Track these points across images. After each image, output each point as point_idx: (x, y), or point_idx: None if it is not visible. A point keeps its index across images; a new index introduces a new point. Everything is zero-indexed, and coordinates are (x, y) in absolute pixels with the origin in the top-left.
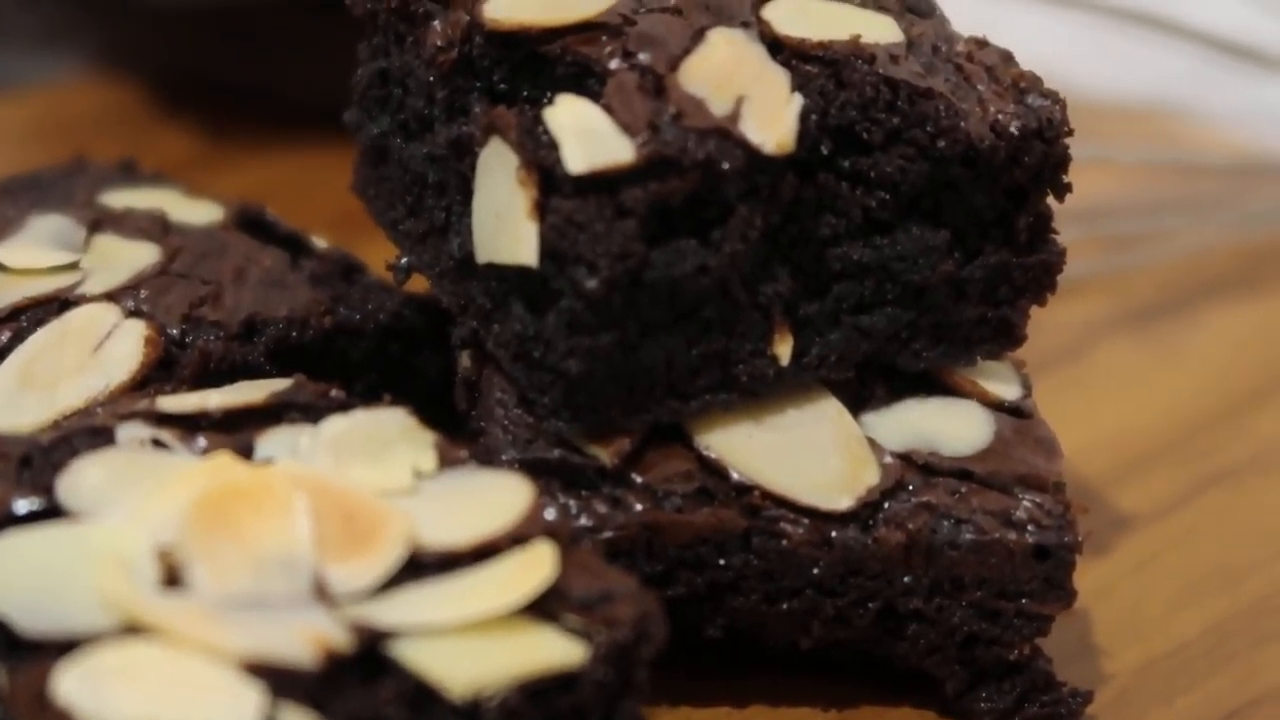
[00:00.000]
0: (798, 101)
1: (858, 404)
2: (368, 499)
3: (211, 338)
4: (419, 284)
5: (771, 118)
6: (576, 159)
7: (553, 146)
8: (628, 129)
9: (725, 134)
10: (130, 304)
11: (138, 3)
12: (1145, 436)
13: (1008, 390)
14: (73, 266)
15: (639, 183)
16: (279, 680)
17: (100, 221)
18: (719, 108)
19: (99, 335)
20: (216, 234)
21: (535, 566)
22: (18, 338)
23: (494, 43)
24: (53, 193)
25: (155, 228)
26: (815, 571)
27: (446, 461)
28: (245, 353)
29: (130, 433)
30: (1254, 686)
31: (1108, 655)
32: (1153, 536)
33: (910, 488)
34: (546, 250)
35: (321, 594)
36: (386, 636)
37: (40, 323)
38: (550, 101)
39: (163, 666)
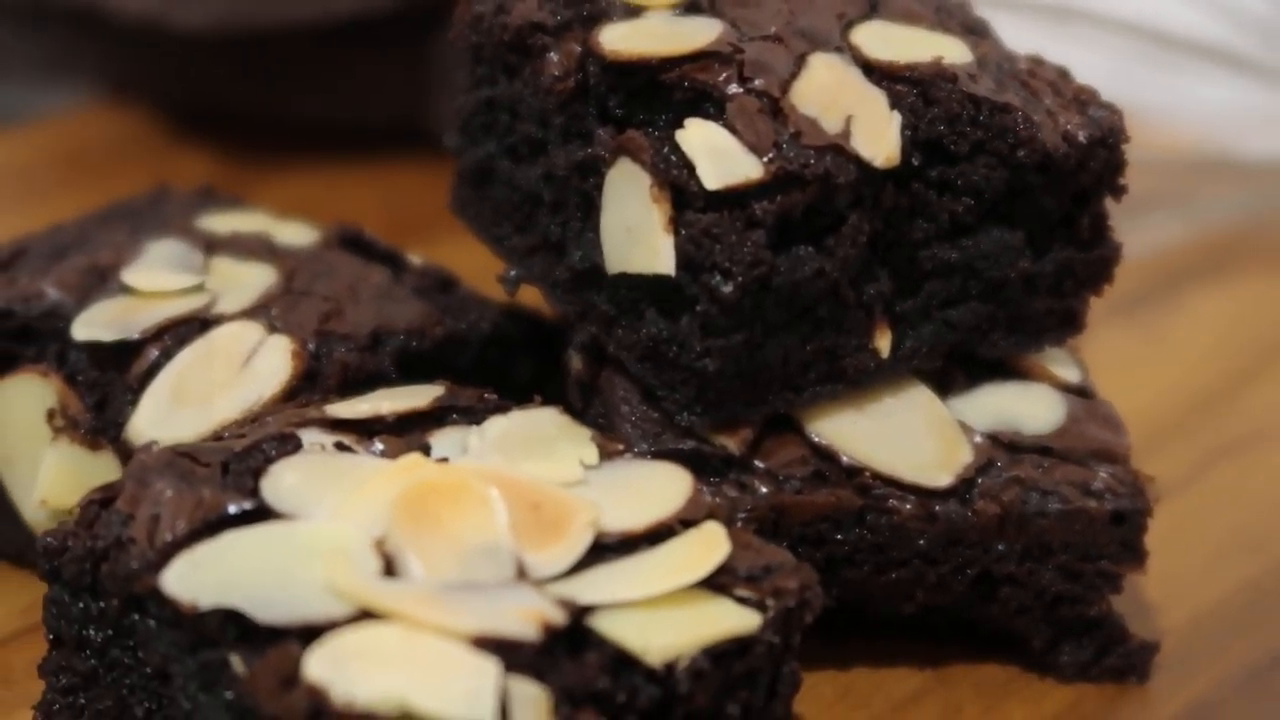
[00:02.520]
0: (898, 118)
1: (943, 391)
2: (550, 489)
3: (344, 350)
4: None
5: (877, 134)
6: (711, 177)
7: (684, 166)
8: (754, 148)
9: (840, 150)
10: (265, 321)
11: (146, 31)
12: (1149, 417)
13: (1071, 373)
14: (199, 288)
15: (766, 197)
16: (505, 654)
17: (213, 245)
18: (830, 126)
19: (245, 351)
20: (321, 253)
21: (711, 544)
22: (165, 356)
23: (611, 71)
24: (151, 219)
25: (264, 249)
26: (921, 543)
27: (605, 453)
28: (376, 363)
29: (313, 438)
30: None
31: (1160, 613)
32: (1175, 509)
33: (999, 464)
34: (683, 260)
35: (523, 577)
36: (587, 612)
37: (184, 341)
38: (669, 124)
39: (402, 645)
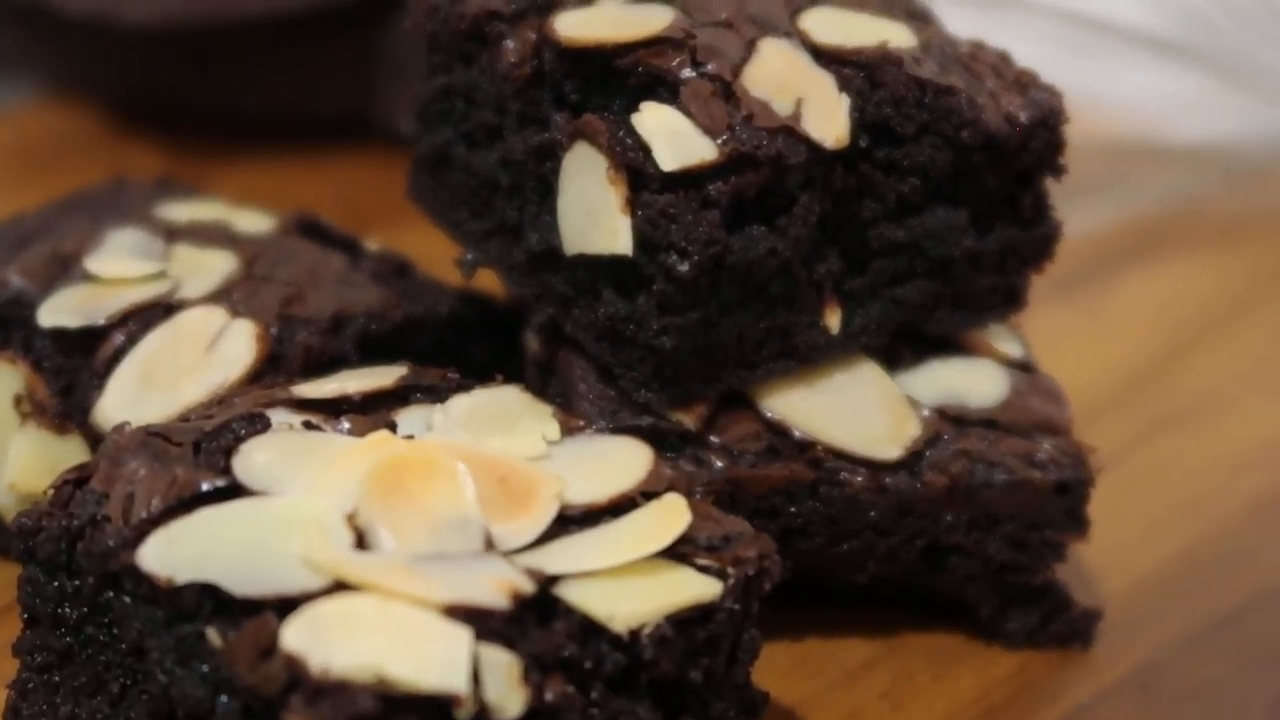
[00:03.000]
0: (847, 101)
1: (891, 367)
2: (515, 464)
3: (307, 333)
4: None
5: (828, 117)
6: (667, 158)
7: (640, 148)
8: (708, 131)
9: (791, 132)
10: (228, 306)
11: (95, 27)
12: (1087, 391)
13: (1014, 348)
14: (161, 275)
15: (721, 178)
16: (476, 622)
17: (173, 233)
18: (781, 109)
19: (210, 335)
20: (280, 240)
21: (672, 515)
22: (130, 341)
23: (566, 58)
24: (111, 208)
25: (224, 237)
26: (872, 514)
27: (567, 429)
28: (337, 346)
29: (281, 417)
30: (1228, 600)
31: (1101, 581)
32: (1114, 479)
33: (946, 437)
34: (640, 240)
35: (492, 548)
36: (554, 581)
37: (148, 327)
38: (624, 109)
39: (376, 615)
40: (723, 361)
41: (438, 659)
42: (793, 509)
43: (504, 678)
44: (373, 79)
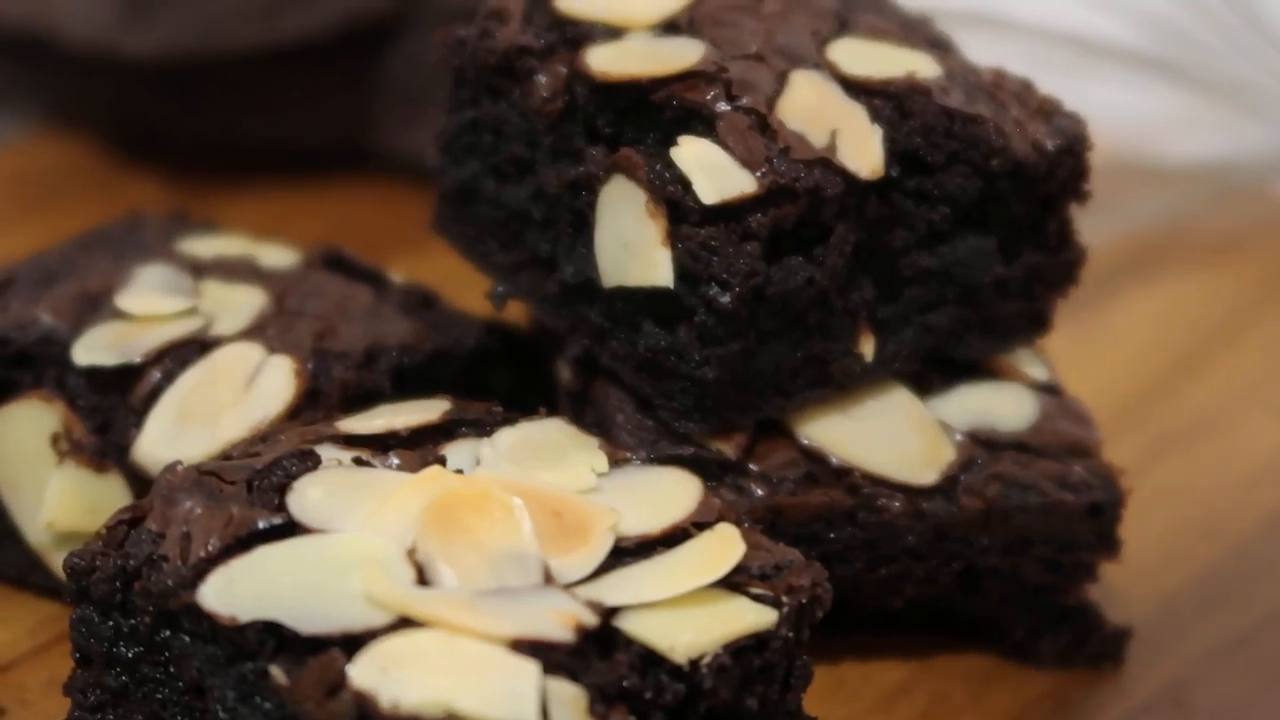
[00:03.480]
0: (879, 132)
1: (922, 392)
2: (568, 497)
3: (342, 368)
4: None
5: (861, 147)
6: (707, 192)
7: (679, 182)
8: (746, 164)
9: (828, 164)
10: (263, 342)
11: (95, 59)
12: (1095, 411)
13: (1040, 372)
14: (192, 311)
15: (760, 209)
16: (542, 655)
17: (199, 268)
18: (817, 140)
19: (248, 372)
20: (306, 274)
21: (726, 545)
22: (167, 378)
23: (599, 92)
24: (132, 245)
25: (250, 271)
26: (909, 539)
27: (614, 461)
28: (372, 379)
29: (330, 454)
30: (1252, 615)
31: (1126, 600)
32: (1131, 499)
33: (980, 461)
34: (680, 272)
35: (550, 582)
36: (613, 613)
37: (184, 364)
38: (658, 142)
39: (443, 650)
40: (761, 391)
41: (507, 693)
42: (831, 535)
43: (571, 710)
44: (369, 108)
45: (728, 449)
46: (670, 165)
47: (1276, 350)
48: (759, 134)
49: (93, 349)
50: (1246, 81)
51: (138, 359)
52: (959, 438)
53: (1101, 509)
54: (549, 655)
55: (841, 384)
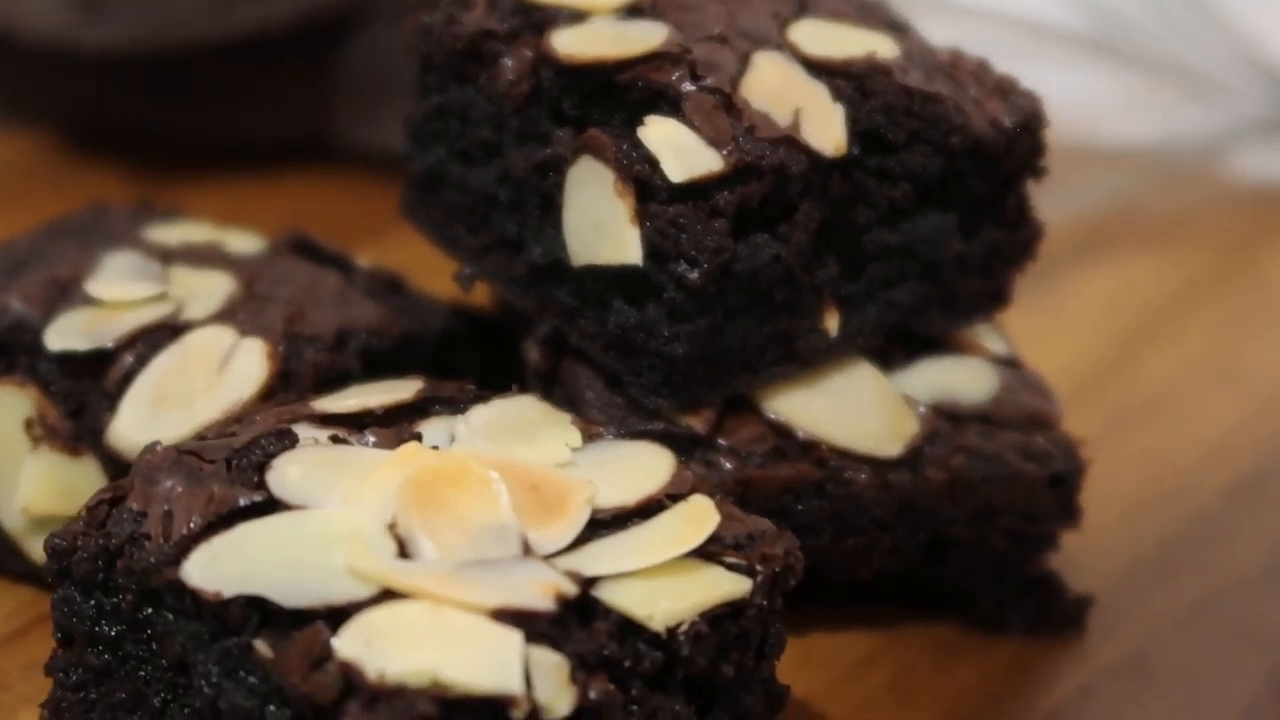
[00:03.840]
0: (841, 110)
1: (885, 367)
2: (544, 471)
3: (313, 350)
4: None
5: (825, 126)
6: (675, 170)
7: (647, 161)
8: (713, 142)
9: (792, 142)
10: (234, 325)
11: (56, 53)
12: (1051, 387)
13: (999, 345)
14: (162, 297)
15: (727, 187)
16: (524, 625)
17: (168, 255)
18: (781, 119)
19: (221, 355)
20: (274, 259)
21: (701, 516)
22: (140, 362)
23: (565, 75)
24: (98, 234)
25: (218, 258)
26: (876, 511)
27: (587, 436)
28: (343, 362)
29: (306, 433)
30: (1211, 582)
31: (1085, 570)
32: (1089, 471)
33: (944, 434)
34: (649, 250)
35: (529, 554)
36: (591, 583)
37: (157, 348)
38: (624, 123)
39: (427, 621)
40: (729, 366)
41: (492, 661)
42: (800, 507)
43: (553, 678)
44: (328, 101)
45: (697, 424)
46: (638, 145)
47: (1227, 326)
48: (724, 113)
49: (65, 335)
50: (1189, 64)
51: (110, 344)
52: (923, 411)
53: (1063, 479)
54: (531, 624)
55: (807, 360)
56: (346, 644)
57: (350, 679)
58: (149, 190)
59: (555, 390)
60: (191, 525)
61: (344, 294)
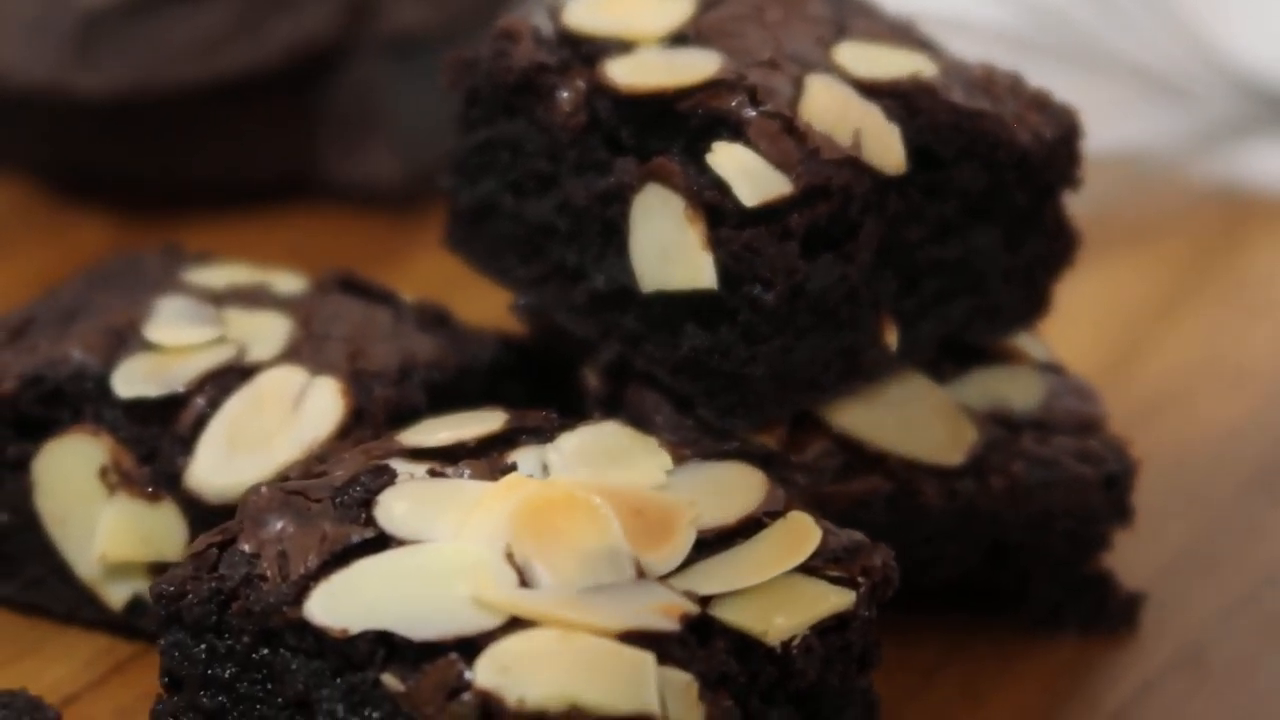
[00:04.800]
0: (897, 130)
1: (939, 378)
2: (645, 494)
3: (380, 386)
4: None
5: (884, 145)
6: (747, 194)
7: (717, 186)
8: (780, 166)
9: (856, 162)
10: (301, 365)
11: (45, 100)
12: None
13: (1041, 352)
14: (221, 340)
15: (796, 209)
16: (653, 646)
17: (218, 298)
18: (843, 140)
19: (293, 395)
20: (323, 298)
21: (803, 532)
22: (211, 405)
23: (623, 104)
24: (141, 280)
25: (268, 298)
26: (943, 519)
27: (676, 458)
28: (410, 396)
29: (402, 468)
30: (1251, 574)
31: (1128, 568)
32: None
33: (1000, 441)
34: (723, 274)
35: (643, 576)
36: (706, 602)
37: (227, 391)
38: (685, 150)
39: (560, 646)
40: (799, 384)
41: (627, 683)
42: (870, 520)
43: (684, 697)
44: (311, 138)
45: (770, 442)
46: (705, 171)
47: (1218, 324)
48: (788, 137)
49: (133, 381)
50: (1152, 70)
51: (181, 389)
52: (979, 419)
53: (1116, 479)
54: (660, 645)
55: (869, 375)
56: (483, 673)
57: (489, 707)
58: (137, 235)
59: (619, 416)
60: (308, 564)
61: (397, 329)
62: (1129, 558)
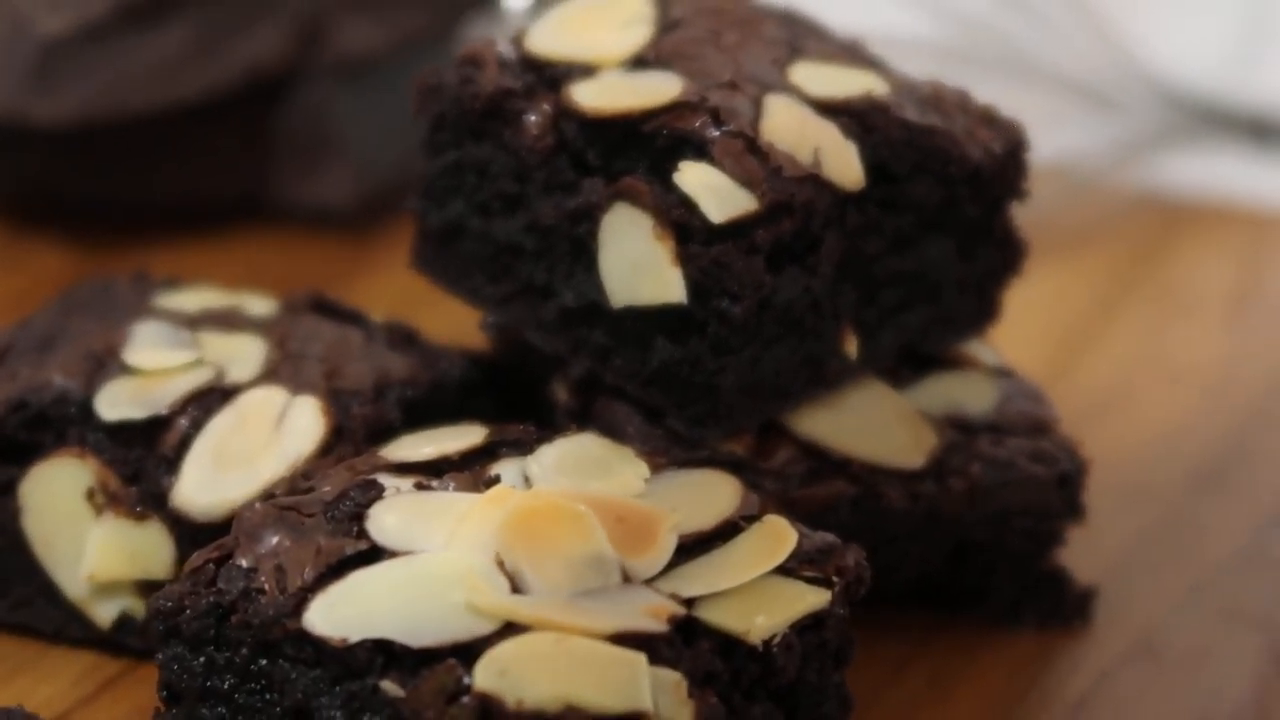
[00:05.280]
0: (854, 147)
1: (896, 384)
2: (626, 502)
3: (358, 404)
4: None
5: (843, 162)
6: (714, 212)
7: (685, 205)
8: (745, 184)
9: (817, 179)
10: (281, 385)
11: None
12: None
13: (991, 357)
14: (199, 362)
15: (762, 226)
16: (643, 647)
17: (192, 322)
18: (803, 158)
19: (275, 414)
20: (295, 319)
21: (779, 534)
22: (194, 426)
23: (589, 127)
24: (114, 305)
25: (242, 321)
26: (906, 521)
27: (653, 467)
28: (387, 413)
29: (389, 482)
30: (1200, 564)
31: (1080, 563)
32: None
33: (958, 444)
34: (693, 289)
35: (629, 581)
36: (689, 604)
37: (209, 411)
38: (650, 170)
39: (555, 649)
40: (766, 393)
41: (621, 683)
42: (836, 523)
43: (674, 695)
44: (265, 160)
45: (738, 450)
46: (672, 190)
47: (1153, 324)
48: (751, 155)
49: (117, 404)
50: (1078, 81)
51: (164, 410)
52: (937, 423)
53: (1069, 478)
54: (649, 646)
55: (832, 382)
56: (481, 677)
57: (489, 709)
58: (93, 260)
59: (589, 428)
60: (305, 577)
61: (369, 348)
62: (1082, 554)
